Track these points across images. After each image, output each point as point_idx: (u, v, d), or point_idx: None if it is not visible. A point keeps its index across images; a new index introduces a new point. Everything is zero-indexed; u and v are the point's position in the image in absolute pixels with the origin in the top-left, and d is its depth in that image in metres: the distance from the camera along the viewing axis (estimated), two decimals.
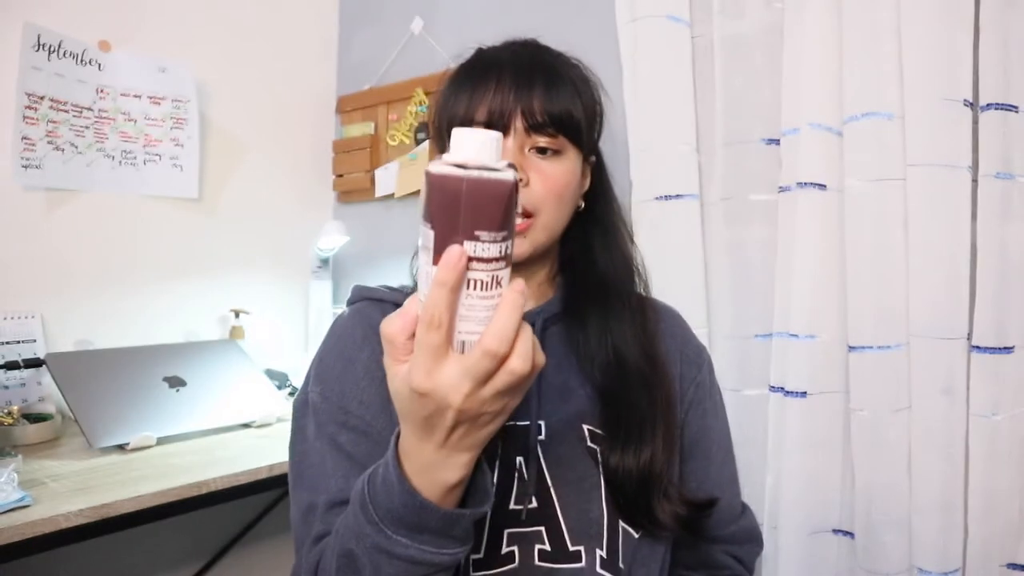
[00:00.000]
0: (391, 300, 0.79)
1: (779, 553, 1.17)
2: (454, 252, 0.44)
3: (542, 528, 0.70)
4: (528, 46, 0.78)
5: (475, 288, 0.46)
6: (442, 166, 0.44)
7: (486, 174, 0.44)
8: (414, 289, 0.81)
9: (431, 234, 0.45)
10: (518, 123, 0.71)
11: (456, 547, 0.55)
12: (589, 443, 0.74)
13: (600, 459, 0.73)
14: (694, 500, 0.76)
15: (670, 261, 1.27)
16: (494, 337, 0.46)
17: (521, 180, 0.70)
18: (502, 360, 0.47)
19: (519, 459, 0.71)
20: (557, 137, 0.72)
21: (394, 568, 0.54)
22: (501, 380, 0.47)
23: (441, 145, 0.78)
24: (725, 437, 0.87)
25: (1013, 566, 1.01)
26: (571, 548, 0.69)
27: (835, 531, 1.17)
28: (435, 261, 0.45)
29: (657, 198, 1.30)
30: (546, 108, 0.71)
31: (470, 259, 0.45)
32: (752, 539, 0.87)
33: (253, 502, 1.80)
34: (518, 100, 0.70)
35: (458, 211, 0.44)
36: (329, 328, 0.81)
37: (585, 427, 0.75)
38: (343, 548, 0.57)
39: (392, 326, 0.49)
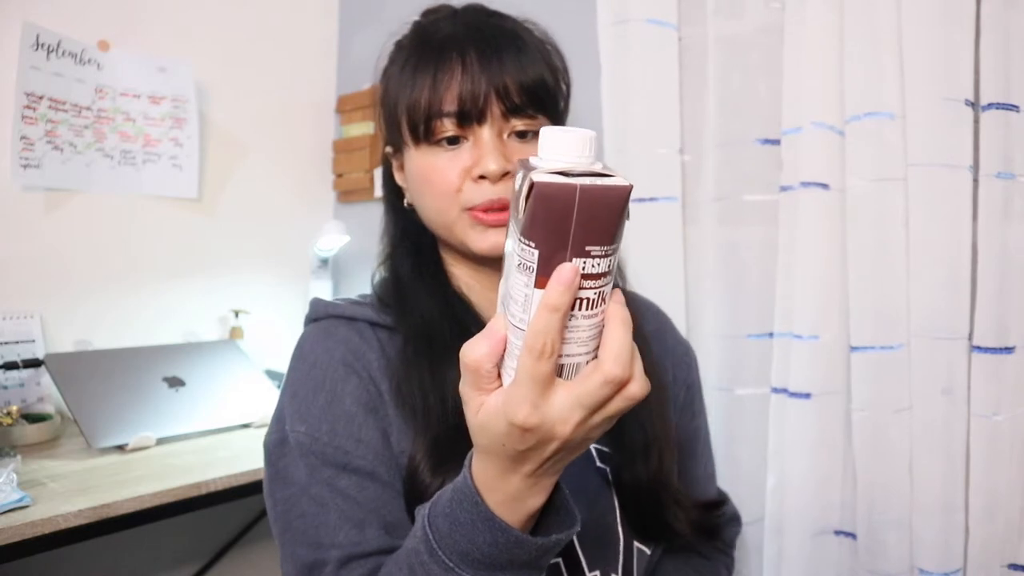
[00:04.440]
0: (362, 318, 0.71)
1: (782, 555, 1.17)
2: (567, 272, 0.39)
3: (560, 560, 0.66)
4: (479, 13, 0.71)
5: (580, 308, 0.41)
6: (548, 175, 0.39)
7: (599, 181, 0.39)
8: (374, 299, 0.73)
9: (535, 252, 0.40)
10: (494, 109, 0.65)
11: None
12: (598, 463, 0.71)
13: (611, 479, 0.70)
14: (702, 501, 0.75)
15: (644, 263, 1.26)
16: (616, 363, 0.42)
17: (508, 173, 0.65)
18: (622, 387, 0.43)
19: None
20: (536, 118, 0.66)
21: None
22: (615, 407, 0.43)
23: (393, 135, 0.70)
24: (707, 433, 0.87)
25: (1014, 566, 1.00)
26: (588, 574, 0.67)
27: (837, 532, 1.16)
28: (539, 283, 0.40)
29: (632, 201, 1.29)
30: (522, 86, 0.65)
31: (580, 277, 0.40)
32: (733, 518, 0.86)
33: (253, 502, 1.79)
34: (490, 82, 0.64)
35: (568, 226, 0.39)
36: (295, 352, 0.70)
37: (591, 447, 0.71)
38: None
39: (476, 352, 0.44)
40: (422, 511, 0.51)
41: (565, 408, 0.42)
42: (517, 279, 0.42)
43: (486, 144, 0.65)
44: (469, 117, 0.65)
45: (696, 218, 1.31)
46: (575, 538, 0.67)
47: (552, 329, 0.40)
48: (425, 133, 0.66)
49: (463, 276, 0.75)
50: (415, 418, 0.65)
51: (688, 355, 0.87)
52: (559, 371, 0.43)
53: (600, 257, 0.40)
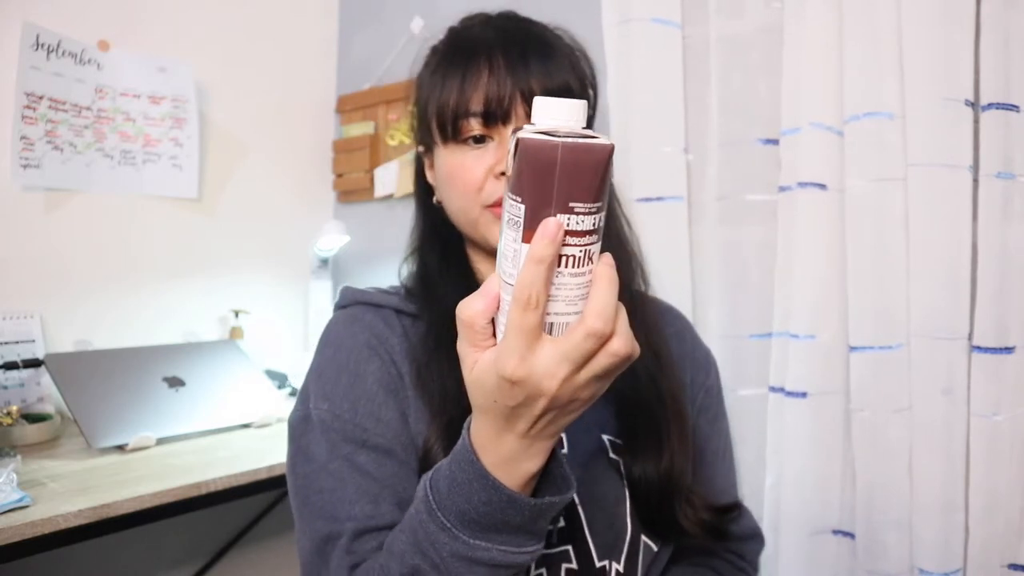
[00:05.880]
0: (389, 305, 0.74)
1: (780, 554, 1.17)
2: (551, 225, 0.41)
3: (569, 547, 0.67)
4: (512, 20, 0.73)
5: (567, 265, 0.42)
6: (534, 134, 0.41)
7: (582, 140, 0.41)
8: (402, 290, 0.78)
9: (521, 207, 0.42)
10: (519, 110, 0.67)
11: (535, 544, 0.52)
12: (611, 455, 0.72)
13: (623, 471, 0.71)
14: (716, 504, 0.74)
15: (651, 263, 1.25)
16: (598, 317, 0.43)
17: None
18: (604, 341, 0.44)
19: None
20: None
21: (474, 575, 0.51)
22: (600, 363, 0.44)
23: (424, 135, 0.74)
24: (728, 439, 0.87)
25: (1014, 566, 1.01)
26: (597, 564, 0.68)
27: (835, 532, 1.16)
28: (526, 237, 0.42)
29: (638, 200, 1.30)
30: (547, 91, 0.66)
31: (564, 233, 0.42)
32: (754, 536, 0.86)
33: (253, 502, 1.80)
34: (516, 84, 0.66)
35: (552, 181, 0.41)
36: (322, 336, 0.74)
37: (605, 437, 0.73)
38: (406, 567, 0.53)
39: (471, 308, 0.46)
40: (425, 477, 0.53)
41: (552, 362, 0.43)
42: (507, 235, 0.44)
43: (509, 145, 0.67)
44: (494, 117, 0.67)
45: (700, 218, 1.32)
46: (586, 527, 0.68)
47: (538, 281, 0.42)
48: (453, 132, 0.69)
49: (486, 271, 0.77)
50: (433, 401, 0.68)
51: (708, 360, 0.87)
52: (549, 330, 0.44)
53: (584, 214, 0.42)
